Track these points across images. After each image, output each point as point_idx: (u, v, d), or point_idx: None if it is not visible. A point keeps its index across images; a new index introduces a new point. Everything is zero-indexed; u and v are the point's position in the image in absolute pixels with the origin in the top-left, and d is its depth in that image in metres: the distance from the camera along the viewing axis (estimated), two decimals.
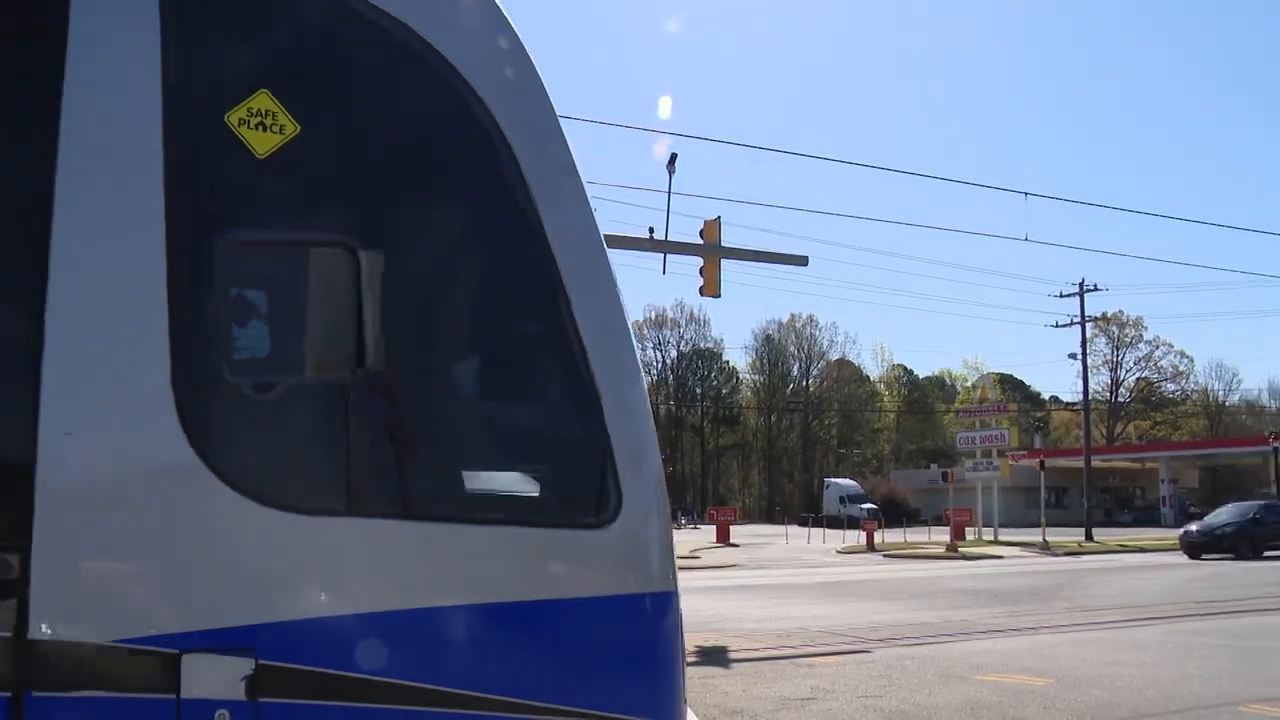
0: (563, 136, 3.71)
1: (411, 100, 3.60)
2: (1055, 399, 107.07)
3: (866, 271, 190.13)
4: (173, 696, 2.94)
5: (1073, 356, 69.94)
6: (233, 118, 3.25)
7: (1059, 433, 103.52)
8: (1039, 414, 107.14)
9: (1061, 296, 65.24)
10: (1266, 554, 40.13)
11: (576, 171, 3.69)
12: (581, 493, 3.54)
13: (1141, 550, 47.22)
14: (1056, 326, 66.89)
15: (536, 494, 3.54)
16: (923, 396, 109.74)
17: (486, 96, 3.52)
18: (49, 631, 2.89)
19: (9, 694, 2.84)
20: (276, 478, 3.21)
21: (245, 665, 3.00)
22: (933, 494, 71.90)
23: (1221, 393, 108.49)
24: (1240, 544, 40.74)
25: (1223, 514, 44.21)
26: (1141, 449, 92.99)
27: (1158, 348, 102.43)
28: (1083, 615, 20.62)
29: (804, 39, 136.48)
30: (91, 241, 3.08)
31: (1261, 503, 46.71)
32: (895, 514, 72.04)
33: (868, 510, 65.75)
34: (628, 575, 3.52)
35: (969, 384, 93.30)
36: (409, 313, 3.41)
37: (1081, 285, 63.45)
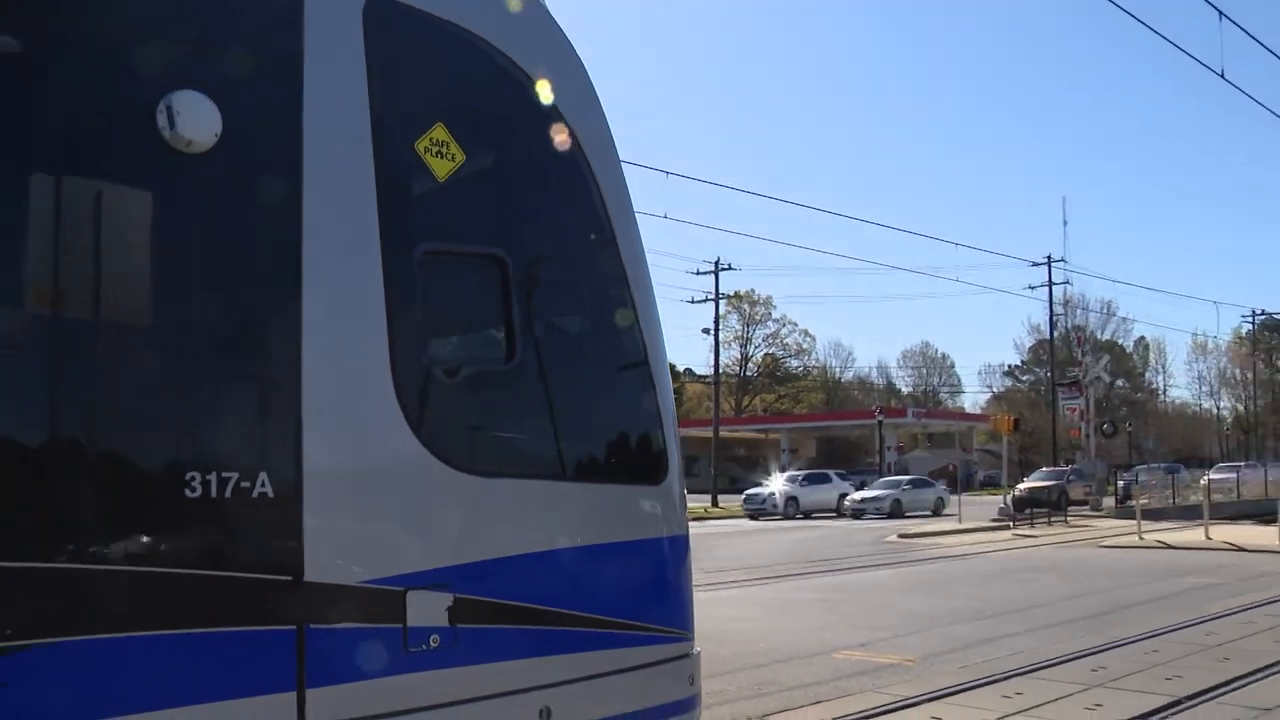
0: (624, 176, 4.75)
1: (540, 144, 4.45)
2: (689, 371, 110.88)
3: None
4: (400, 625, 3.62)
5: (706, 331, 72.35)
6: (419, 146, 3.91)
7: (691, 404, 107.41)
8: (673, 385, 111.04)
9: (698, 274, 68.00)
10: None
11: (631, 203, 4.75)
12: (651, 456, 4.65)
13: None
14: (692, 302, 69.81)
15: (629, 459, 4.67)
16: None
17: (585, 143, 4.49)
18: (319, 576, 3.46)
19: (294, 626, 3.41)
20: (465, 448, 3.99)
21: (447, 599, 3.73)
22: None
23: (838, 370, 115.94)
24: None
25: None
26: (766, 420, 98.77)
27: (784, 326, 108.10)
28: (706, 576, 21.78)
29: None
30: (330, 258, 3.62)
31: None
32: None
33: None
34: (667, 520, 4.66)
35: None
36: (542, 316, 4.34)
37: (717, 264, 66.44)
